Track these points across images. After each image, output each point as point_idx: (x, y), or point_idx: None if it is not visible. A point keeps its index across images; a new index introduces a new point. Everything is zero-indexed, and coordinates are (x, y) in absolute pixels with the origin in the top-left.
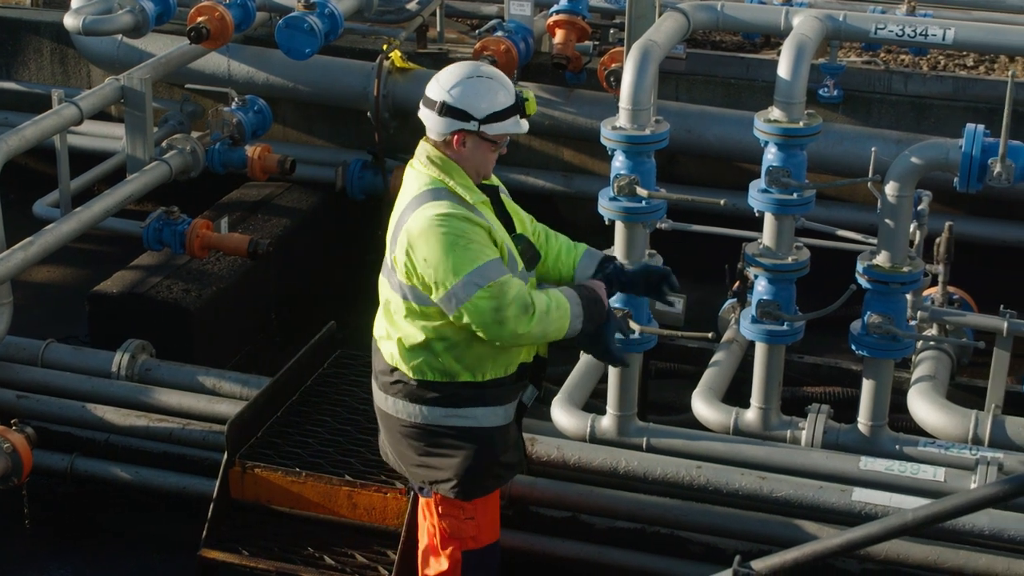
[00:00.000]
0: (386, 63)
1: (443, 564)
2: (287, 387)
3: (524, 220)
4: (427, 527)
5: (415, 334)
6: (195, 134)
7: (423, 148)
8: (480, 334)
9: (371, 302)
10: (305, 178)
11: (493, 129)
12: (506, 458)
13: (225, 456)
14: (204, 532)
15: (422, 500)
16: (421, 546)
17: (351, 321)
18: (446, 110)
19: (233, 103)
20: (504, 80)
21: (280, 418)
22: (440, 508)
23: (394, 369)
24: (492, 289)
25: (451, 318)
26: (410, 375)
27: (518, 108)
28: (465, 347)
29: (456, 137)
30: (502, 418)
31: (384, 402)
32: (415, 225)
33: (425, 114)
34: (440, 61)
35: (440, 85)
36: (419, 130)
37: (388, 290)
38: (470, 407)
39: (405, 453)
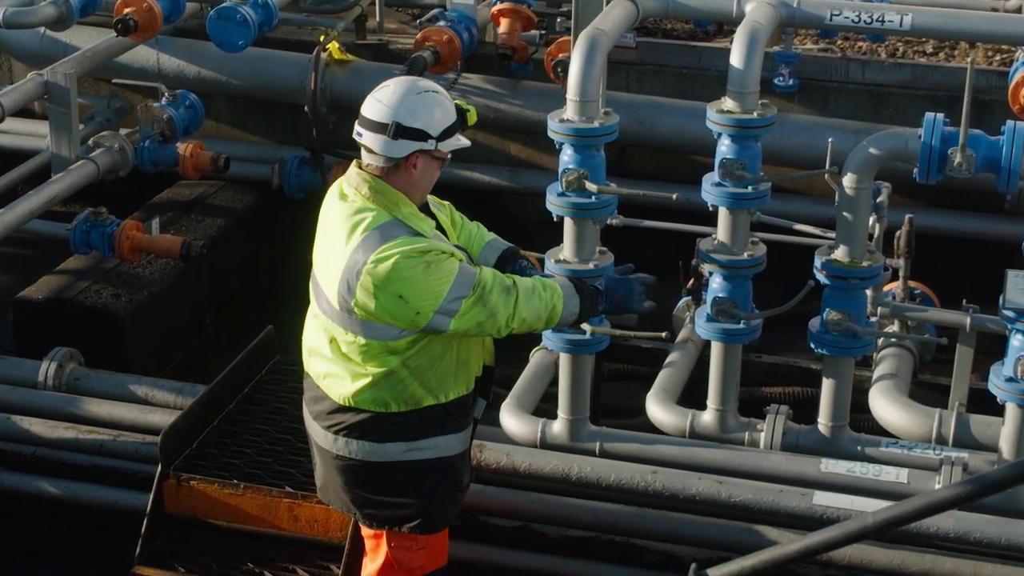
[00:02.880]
0: (323, 55)
1: None
2: (223, 395)
3: (453, 225)
4: (370, 547)
5: (378, 370)
6: (123, 131)
7: (359, 177)
8: (476, 334)
9: (307, 306)
10: (240, 176)
11: (447, 145)
12: (464, 481)
13: (159, 468)
14: (138, 548)
15: (365, 530)
16: (366, 566)
17: (290, 325)
18: (400, 131)
19: (163, 98)
20: (444, 93)
21: (216, 428)
22: (392, 542)
23: (347, 408)
24: (475, 290)
25: (443, 333)
26: (371, 409)
27: (462, 121)
28: (429, 369)
29: (411, 159)
30: (462, 444)
31: (330, 442)
32: (381, 270)
33: (372, 140)
34: (380, 53)
35: (386, 106)
36: None
37: (334, 330)
38: (430, 437)
39: (358, 495)
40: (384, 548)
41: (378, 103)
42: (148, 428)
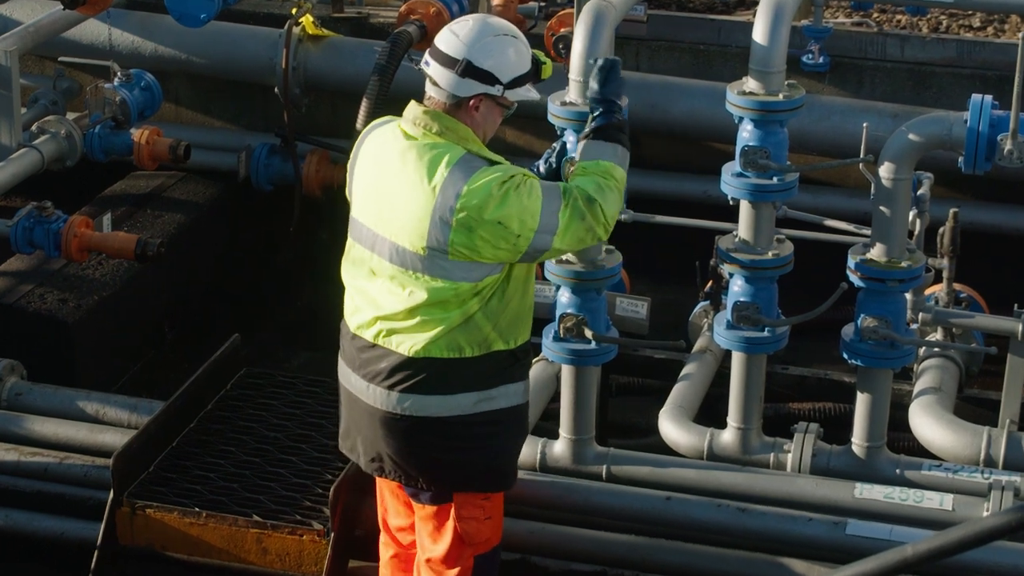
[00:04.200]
0: (296, 30)
1: None
2: (184, 413)
3: None
4: (430, 528)
5: (460, 314)
6: (71, 115)
7: (425, 115)
8: (579, 249)
9: (281, 310)
10: (202, 166)
11: (514, 95)
12: (527, 432)
13: (111, 495)
14: None
15: (424, 511)
16: (427, 549)
17: (259, 333)
18: (470, 70)
19: (116, 78)
20: (523, 39)
21: (176, 449)
22: (462, 511)
23: (415, 360)
24: (566, 199)
25: (543, 258)
26: (444, 355)
27: (536, 72)
28: (502, 312)
29: (474, 101)
30: (527, 393)
31: (393, 403)
32: (476, 202)
33: (439, 72)
34: (359, 27)
35: (460, 41)
36: (338, 108)
37: (410, 278)
38: (501, 385)
39: (425, 457)
40: (451, 524)
41: (453, 36)
42: (99, 449)
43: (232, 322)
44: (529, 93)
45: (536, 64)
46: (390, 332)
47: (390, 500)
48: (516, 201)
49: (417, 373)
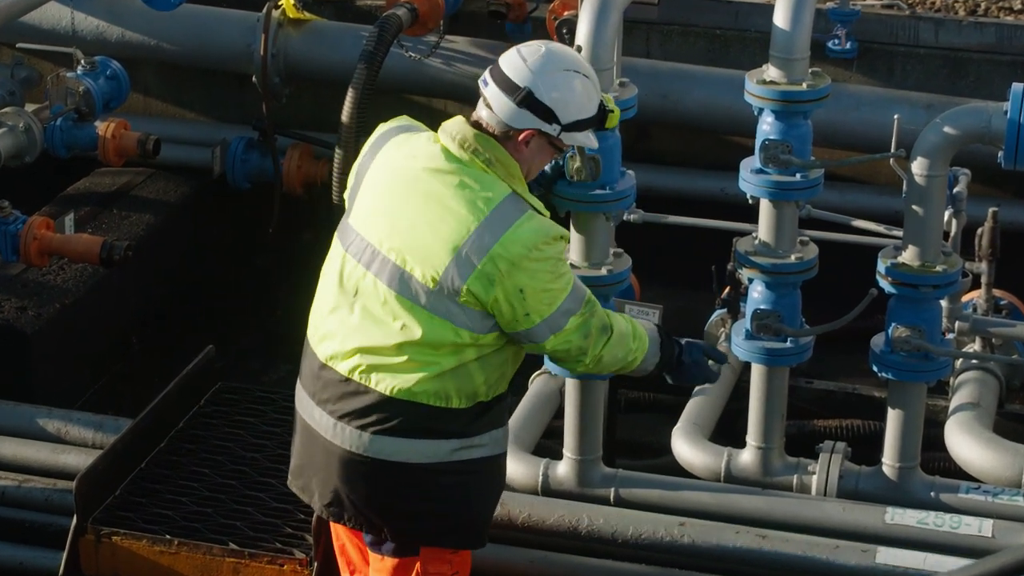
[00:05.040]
0: (276, 13)
1: None
2: (153, 431)
3: None
4: None
5: (454, 361)
6: (30, 107)
7: (475, 139)
8: (557, 359)
9: (260, 319)
10: (173, 162)
11: (571, 138)
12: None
13: (74, 521)
14: None
15: (382, 563)
16: None
17: (235, 344)
18: (529, 101)
19: (79, 67)
20: (597, 82)
21: (144, 471)
22: (429, 566)
23: (394, 402)
24: (584, 313)
25: (525, 346)
26: (428, 402)
27: (600, 119)
28: (497, 367)
29: (525, 135)
30: (505, 441)
31: (363, 444)
32: (514, 249)
33: (495, 96)
34: (344, 10)
35: (527, 67)
36: (322, 99)
37: (410, 312)
38: (481, 433)
39: (392, 506)
40: None
41: (520, 61)
42: (61, 472)
43: (206, 332)
44: (588, 139)
45: (603, 111)
46: (371, 368)
47: (350, 549)
48: (548, 277)
49: (395, 416)
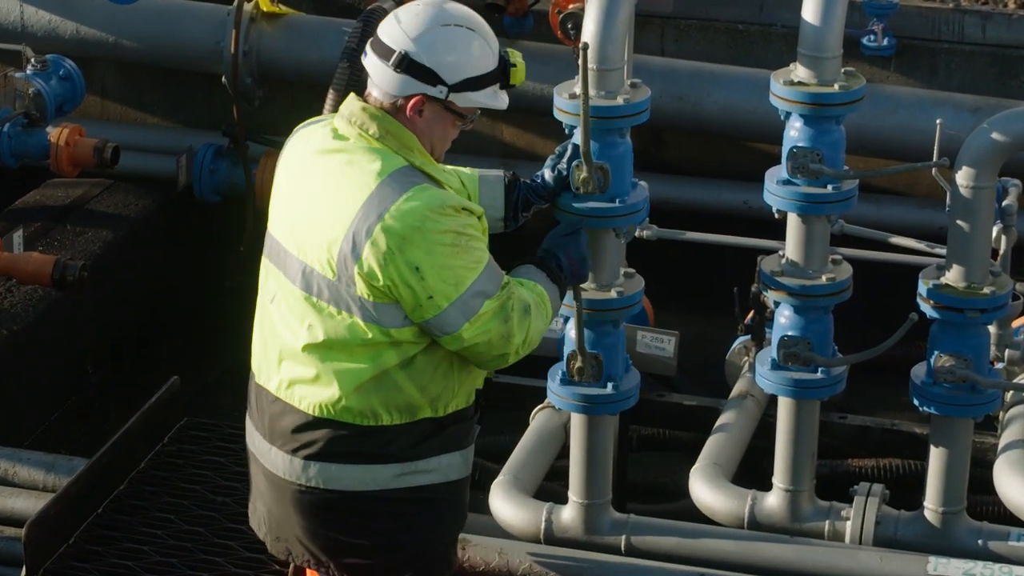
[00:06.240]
0: (248, 6)
1: None
2: (111, 472)
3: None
4: None
5: (370, 367)
6: None
7: (363, 112)
8: (479, 355)
9: (232, 344)
10: (134, 172)
11: (465, 100)
12: (465, 517)
13: (23, 573)
14: None
15: None
16: None
17: (203, 374)
18: (407, 65)
19: (29, 66)
20: (489, 34)
21: (102, 517)
22: None
23: (323, 421)
24: (500, 296)
25: (441, 340)
26: (355, 422)
27: (501, 74)
28: (431, 372)
29: (412, 102)
30: (465, 467)
31: (296, 472)
32: (402, 223)
33: (374, 64)
34: (324, 4)
35: (402, 29)
36: (299, 102)
37: (316, 312)
38: (429, 457)
39: (334, 539)
40: None
41: (395, 23)
42: (8, 517)
43: (170, 362)
44: (491, 99)
45: (503, 64)
46: (292, 382)
47: None
48: (448, 253)
49: (322, 438)
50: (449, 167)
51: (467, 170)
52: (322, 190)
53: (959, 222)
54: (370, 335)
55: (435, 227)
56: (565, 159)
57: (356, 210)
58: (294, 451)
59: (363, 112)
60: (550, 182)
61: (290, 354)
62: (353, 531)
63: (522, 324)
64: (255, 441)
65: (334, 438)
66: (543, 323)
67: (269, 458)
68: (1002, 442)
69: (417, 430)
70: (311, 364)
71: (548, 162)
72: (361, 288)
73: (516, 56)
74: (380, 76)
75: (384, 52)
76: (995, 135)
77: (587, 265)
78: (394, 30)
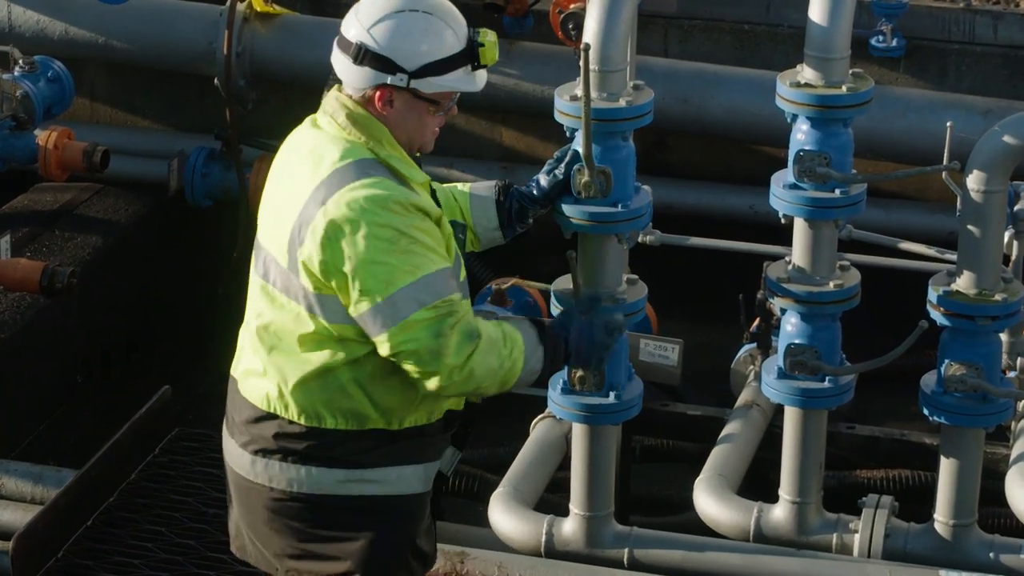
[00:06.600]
0: (241, 6)
1: None
2: (101, 484)
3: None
4: None
5: (314, 363)
6: None
7: (336, 102)
8: (408, 368)
9: (225, 353)
10: (124, 176)
11: (430, 85)
12: (422, 543)
13: None
14: None
15: None
16: None
17: (196, 385)
18: (365, 56)
19: (16, 67)
20: (450, 15)
21: (92, 529)
22: None
23: (270, 416)
24: (439, 309)
25: (374, 343)
26: (300, 421)
27: (469, 55)
28: (382, 380)
29: (379, 94)
30: (421, 482)
31: (247, 466)
32: (341, 211)
33: (337, 60)
34: (319, 4)
35: (359, 20)
36: (293, 105)
37: (272, 306)
38: (380, 467)
39: (277, 540)
40: None
41: (353, 16)
42: None
43: (161, 371)
44: (462, 82)
45: (472, 44)
46: (247, 373)
47: None
48: (385, 249)
49: (269, 432)
50: (444, 186)
51: (461, 186)
52: (288, 178)
53: (970, 227)
54: (313, 327)
55: (374, 219)
56: (564, 164)
57: (307, 197)
58: (245, 444)
59: (336, 102)
60: (545, 187)
61: (249, 344)
62: (300, 536)
63: (461, 348)
64: (224, 434)
65: (280, 434)
66: (497, 363)
67: (230, 451)
68: (1014, 452)
69: (366, 438)
70: (261, 355)
71: (545, 167)
72: (303, 277)
73: (487, 35)
74: (344, 71)
75: (345, 46)
76: (1007, 138)
77: (594, 353)
78: (352, 22)
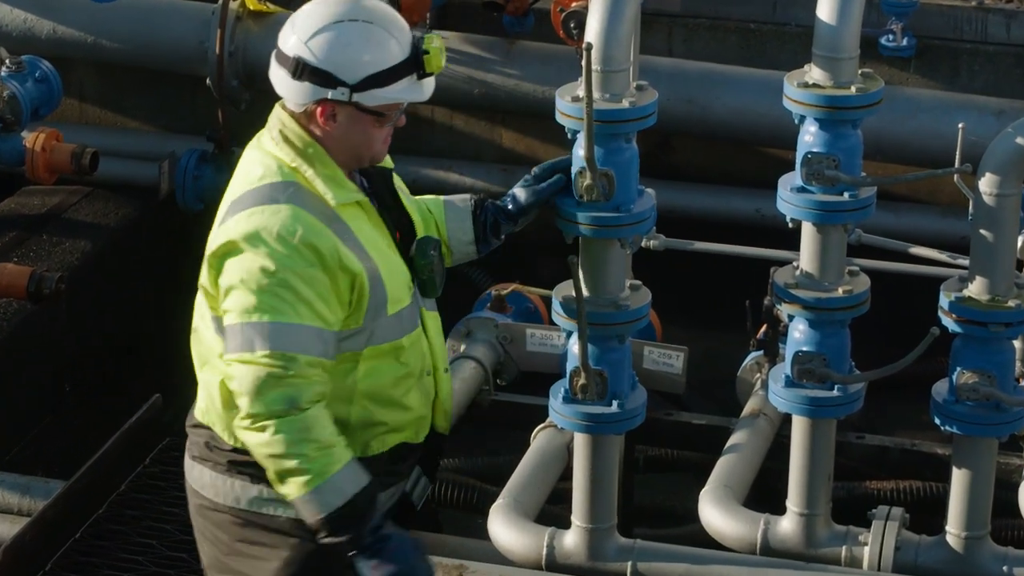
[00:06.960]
0: (233, 4)
1: None
2: (90, 495)
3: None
4: None
5: (220, 380)
6: None
7: (275, 116)
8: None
9: None
10: (114, 179)
11: (373, 98)
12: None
13: None
14: None
15: None
16: None
17: (186, 393)
18: (304, 71)
19: (3, 68)
20: (393, 23)
21: (80, 542)
22: None
23: (201, 426)
24: (274, 360)
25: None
26: (224, 439)
27: (414, 64)
28: None
29: (321, 109)
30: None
31: (188, 469)
32: (236, 232)
33: (276, 75)
34: None
35: (296, 32)
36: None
37: (201, 321)
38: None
39: (207, 549)
40: None
41: (290, 27)
42: None
43: (151, 379)
44: (408, 93)
45: (416, 52)
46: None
47: None
48: (254, 281)
49: (201, 439)
50: (416, 197)
51: (431, 197)
52: (227, 193)
53: (982, 231)
54: (216, 346)
55: (258, 249)
56: (547, 183)
57: (224, 212)
58: (188, 447)
59: (274, 117)
60: (522, 202)
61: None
62: (220, 547)
63: (272, 404)
64: None
65: (206, 443)
66: (279, 445)
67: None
68: None
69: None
70: (197, 368)
71: (523, 180)
72: (212, 287)
73: (432, 41)
74: (283, 87)
75: (283, 60)
76: (1020, 140)
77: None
78: (289, 35)
